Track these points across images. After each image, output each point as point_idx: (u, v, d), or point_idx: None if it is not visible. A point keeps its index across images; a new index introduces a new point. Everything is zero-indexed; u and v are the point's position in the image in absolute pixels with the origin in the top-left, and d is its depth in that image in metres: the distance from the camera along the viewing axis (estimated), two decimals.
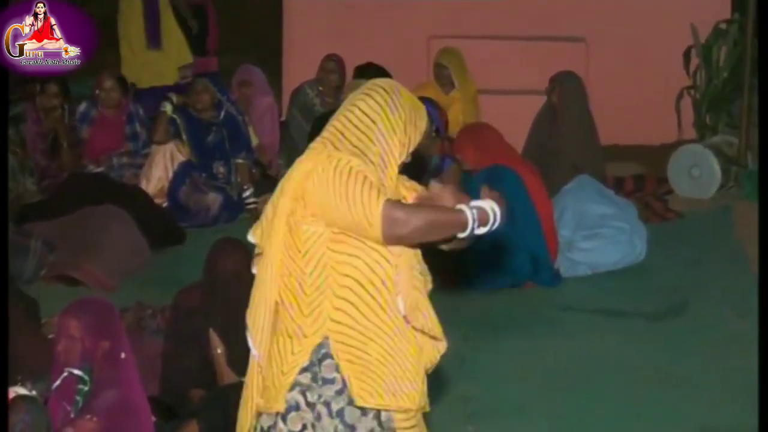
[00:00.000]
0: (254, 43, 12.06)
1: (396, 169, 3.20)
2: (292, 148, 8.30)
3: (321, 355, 3.15)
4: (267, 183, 7.52)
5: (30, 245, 6.31)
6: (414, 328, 3.18)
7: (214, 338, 4.68)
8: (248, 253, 4.70)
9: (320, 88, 8.77)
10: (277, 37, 10.07)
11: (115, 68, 8.77)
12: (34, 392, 3.86)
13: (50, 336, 4.49)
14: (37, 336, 4.70)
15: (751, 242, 7.25)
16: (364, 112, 3.15)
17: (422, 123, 3.22)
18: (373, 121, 3.14)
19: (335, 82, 8.73)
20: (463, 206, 3.08)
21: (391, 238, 3.04)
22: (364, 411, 3.16)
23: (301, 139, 8.42)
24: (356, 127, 3.14)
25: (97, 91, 7.98)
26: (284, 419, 3.17)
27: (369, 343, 3.13)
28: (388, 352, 3.14)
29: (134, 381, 3.98)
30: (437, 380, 5.29)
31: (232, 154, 7.81)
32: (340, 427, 3.14)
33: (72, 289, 6.17)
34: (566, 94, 8.00)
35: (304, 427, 3.16)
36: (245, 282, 4.62)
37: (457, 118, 8.37)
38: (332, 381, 3.15)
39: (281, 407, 3.16)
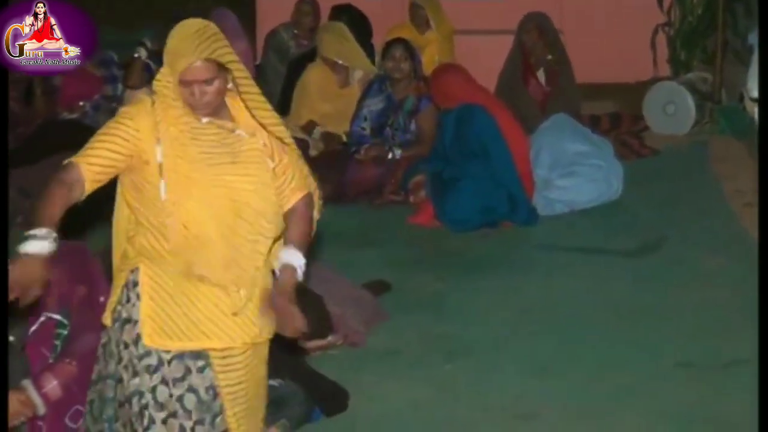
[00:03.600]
0: None
1: (169, 93, 3.22)
2: (267, 92, 8.21)
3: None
4: None
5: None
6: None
7: None
8: None
9: (295, 31, 8.72)
10: None
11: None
12: (12, 338, 3.87)
13: None
14: None
15: (727, 178, 7.30)
16: None
17: (177, 51, 3.19)
18: None
19: (310, 24, 8.69)
20: None
21: None
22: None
23: (277, 82, 8.38)
24: None
25: None
26: None
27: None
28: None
29: None
30: (414, 320, 5.34)
31: None
32: None
33: None
34: (547, 35, 8.00)
35: None
36: None
37: (432, 58, 8.34)
38: None
39: None
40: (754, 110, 7.59)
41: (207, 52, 3.16)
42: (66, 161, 3.23)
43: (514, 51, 8.16)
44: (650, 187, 7.19)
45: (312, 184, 3.39)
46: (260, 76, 8.61)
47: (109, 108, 7.81)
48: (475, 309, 5.50)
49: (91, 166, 3.21)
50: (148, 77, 7.64)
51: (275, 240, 3.33)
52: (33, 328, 3.85)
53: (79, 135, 7.02)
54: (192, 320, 3.24)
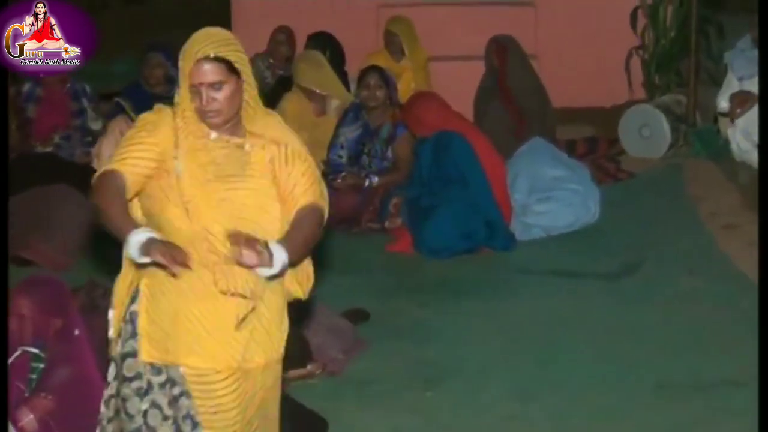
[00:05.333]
0: (203, 16, 11.97)
1: (186, 104, 3.21)
2: None
3: None
4: None
5: None
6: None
7: None
8: None
9: (271, 60, 8.75)
10: (227, 9, 10.00)
11: None
12: None
13: None
14: None
15: (702, 199, 7.33)
16: None
17: (185, 53, 3.18)
18: None
19: (285, 53, 8.73)
20: None
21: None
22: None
23: None
24: None
25: None
26: None
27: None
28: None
29: (88, 358, 3.95)
30: (394, 347, 5.32)
31: None
32: None
33: (23, 269, 6.12)
34: (510, 58, 8.03)
35: None
36: None
37: (408, 86, 8.37)
38: None
39: None
40: (726, 129, 7.66)
41: (212, 49, 3.11)
42: (105, 168, 3.15)
43: (486, 75, 8.18)
44: (627, 210, 7.21)
45: (322, 199, 3.26)
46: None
47: (83, 141, 7.79)
48: (455, 334, 5.48)
49: (131, 171, 3.15)
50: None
51: None
52: (9, 361, 3.82)
53: (55, 168, 7.10)
54: (177, 336, 3.19)
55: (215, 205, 3.15)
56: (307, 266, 3.32)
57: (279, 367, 3.35)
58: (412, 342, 5.38)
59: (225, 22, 9.98)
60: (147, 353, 3.21)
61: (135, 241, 3.02)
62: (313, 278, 3.36)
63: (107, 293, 5.32)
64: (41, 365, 3.83)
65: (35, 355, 3.84)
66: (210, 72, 3.12)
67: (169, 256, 2.97)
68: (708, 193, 7.41)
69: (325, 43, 8.49)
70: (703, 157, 8.11)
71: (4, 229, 4.14)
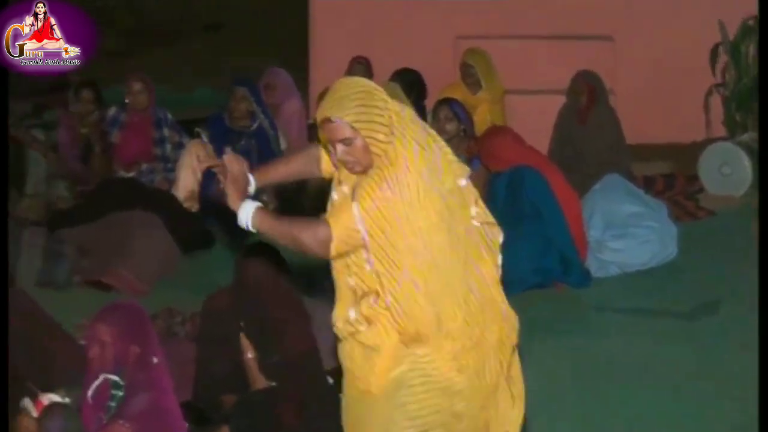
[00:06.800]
0: (281, 43, 12.09)
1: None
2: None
3: None
4: (292, 190, 7.51)
5: (64, 251, 6.35)
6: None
7: (245, 343, 4.69)
8: (278, 257, 4.72)
9: None
10: (305, 38, 10.09)
11: (140, 72, 8.78)
12: (67, 399, 3.88)
13: (82, 342, 4.51)
14: (69, 342, 4.72)
15: None
16: None
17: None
18: None
19: None
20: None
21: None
22: None
23: None
24: None
25: (126, 95, 8.02)
26: None
27: None
28: None
29: (166, 386, 3.98)
30: None
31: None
32: None
33: (104, 294, 6.20)
34: (597, 95, 8.01)
35: None
36: (272, 286, 4.66)
37: (484, 118, 8.36)
38: None
39: None
40: None
41: (331, 111, 3.20)
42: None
43: (567, 108, 8.16)
44: (705, 248, 7.12)
45: (333, 224, 3.26)
46: (313, 135, 8.66)
47: (165, 168, 7.89)
48: (529, 371, 5.41)
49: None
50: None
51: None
52: (91, 389, 3.86)
53: (136, 193, 7.21)
54: None
55: None
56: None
57: None
58: None
59: (303, 50, 10.09)
60: None
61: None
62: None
63: (185, 320, 5.42)
64: (120, 392, 3.86)
65: (115, 382, 3.88)
66: (335, 130, 3.22)
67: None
68: None
69: (412, 80, 8.50)
70: None
71: (4, 232, 4.16)
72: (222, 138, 7.70)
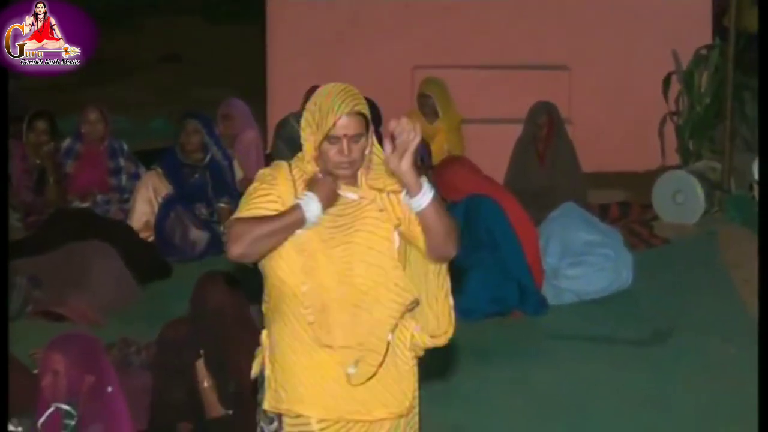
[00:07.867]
0: (239, 74, 12.11)
1: (309, 158, 3.31)
2: None
3: None
4: None
5: (16, 281, 6.29)
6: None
7: (202, 371, 4.68)
8: (234, 286, 4.72)
9: None
10: (262, 69, 10.11)
11: (97, 102, 8.75)
12: (20, 429, 3.85)
13: (35, 371, 4.47)
14: (23, 371, 4.68)
15: (736, 266, 7.28)
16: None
17: (324, 107, 3.26)
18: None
19: None
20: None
21: (232, 256, 3.18)
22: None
23: None
24: None
25: (81, 125, 7.99)
26: None
27: None
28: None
29: (122, 415, 3.96)
30: (423, 408, 5.28)
31: (215, 198, 7.74)
32: None
33: (58, 324, 6.15)
34: (557, 127, 8.09)
35: None
36: (231, 315, 4.65)
37: (441, 147, 8.40)
38: None
39: None
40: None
41: (353, 104, 3.22)
42: (235, 217, 3.24)
43: (524, 138, 8.22)
44: (660, 276, 7.17)
45: None
46: (269, 164, 8.66)
47: (120, 199, 7.86)
48: (485, 399, 5.45)
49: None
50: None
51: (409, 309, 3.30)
52: (42, 419, 3.83)
53: (91, 224, 7.16)
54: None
55: (328, 261, 3.22)
56: (441, 310, 3.36)
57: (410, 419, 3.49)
58: (442, 405, 5.35)
59: (260, 80, 10.10)
60: (266, 402, 3.32)
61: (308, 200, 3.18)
62: (453, 321, 3.41)
63: (140, 350, 5.39)
64: (73, 422, 3.84)
65: (67, 412, 3.85)
66: (354, 124, 3.23)
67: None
68: (742, 260, 7.36)
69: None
70: (737, 223, 8.07)
71: (4, 233, 4.13)
72: (175, 172, 7.68)
